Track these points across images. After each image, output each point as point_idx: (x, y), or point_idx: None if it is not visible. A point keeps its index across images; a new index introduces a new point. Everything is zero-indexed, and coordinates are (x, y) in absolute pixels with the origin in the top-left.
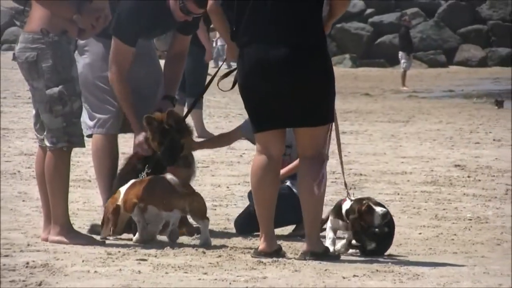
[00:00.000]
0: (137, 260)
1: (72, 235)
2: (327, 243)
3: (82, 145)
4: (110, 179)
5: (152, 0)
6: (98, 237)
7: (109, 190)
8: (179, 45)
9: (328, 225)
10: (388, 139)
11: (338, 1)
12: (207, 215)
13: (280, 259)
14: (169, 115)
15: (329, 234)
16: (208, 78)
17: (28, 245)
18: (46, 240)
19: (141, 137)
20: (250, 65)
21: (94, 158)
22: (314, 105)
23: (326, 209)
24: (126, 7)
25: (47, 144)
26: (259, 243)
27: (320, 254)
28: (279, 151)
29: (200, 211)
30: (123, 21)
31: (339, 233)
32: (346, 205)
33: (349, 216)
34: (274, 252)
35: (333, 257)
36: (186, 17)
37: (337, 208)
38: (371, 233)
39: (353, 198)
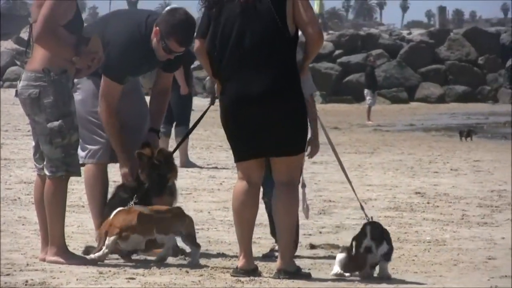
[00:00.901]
0: (126, 278)
1: (68, 256)
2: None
3: (78, 174)
4: (102, 204)
5: (139, 42)
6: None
7: (101, 215)
8: (163, 82)
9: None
10: (355, 168)
11: (311, 43)
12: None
13: (256, 278)
14: (160, 152)
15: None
16: (192, 112)
17: (27, 265)
18: (44, 260)
19: (126, 168)
20: (230, 100)
21: (86, 186)
22: (288, 137)
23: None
24: (115, 49)
25: (47, 173)
26: (238, 261)
27: (292, 273)
28: (259, 178)
29: (193, 236)
30: (112, 62)
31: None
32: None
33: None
34: (252, 271)
35: (305, 276)
36: (168, 56)
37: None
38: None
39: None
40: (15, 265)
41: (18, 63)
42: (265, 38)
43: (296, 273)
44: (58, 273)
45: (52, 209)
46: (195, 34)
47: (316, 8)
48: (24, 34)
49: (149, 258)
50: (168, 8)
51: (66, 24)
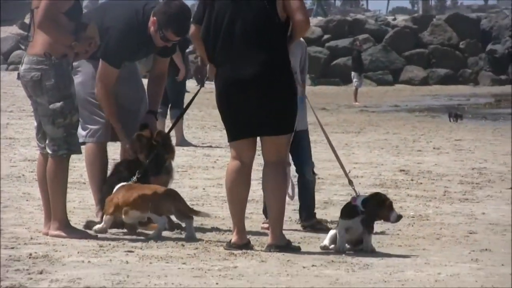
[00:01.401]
0: (125, 251)
1: (69, 230)
2: (340, 242)
3: (79, 152)
4: (101, 181)
5: (136, 29)
6: (92, 232)
7: (100, 191)
8: (159, 66)
9: (340, 226)
10: (342, 147)
11: (297, 29)
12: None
13: (248, 251)
14: (158, 134)
15: (341, 233)
16: (186, 94)
17: (31, 238)
18: (47, 234)
19: (126, 144)
20: (224, 83)
21: (86, 164)
22: (278, 117)
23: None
24: (113, 36)
25: (49, 151)
26: (232, 236)
27: (283, 246)
28: (250, 157)
29: (184, 211)
30: (110, 48)
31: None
32: (360, 200)
33: (366, 205)
34: (244, 245)
35: (295, 249)
36: (165, 43)
37: (349, 208)
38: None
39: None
40: (20, 239)
41: (22, 47)
42: (256, 25)
43: (286, 247)
44: (60, 246)
45: (54, 186)
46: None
47: None
48: (27, 20)
49: (147, 232)
50: None
51: (66, 11)
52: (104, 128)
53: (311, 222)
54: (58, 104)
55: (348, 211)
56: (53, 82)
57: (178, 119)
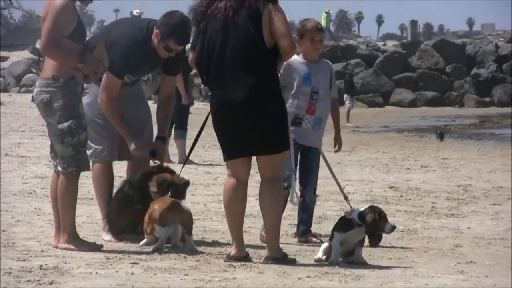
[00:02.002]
0: (130, 263)
1: (78, 243)
2: (334, 255)
3: (88, 169)
4: (107, 198)
5: (140, 42)
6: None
7: (107, 207)
8: (167, 87)
9: (335, 239)
10: (335, 165)
11: (283, 54)
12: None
13: (247, 263)
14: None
15: (336, 246)
16: (190, 115)
17: (42, 251)
18: (57, 247)
19: (133, 145)
20: (217, 106)
21: (93, 181)
22: (270, 138)
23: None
24: (118, 47)
25: (60, 169)
26: (231, 249)
27: (279, 259)
28: (246, 175)
29: (187, 225)
30: (115, 59)
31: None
32: (356, 213)
33: (363, 218)
34: (243, 258)
35: (290, 262)
36: (169, 54)
37: (344, 222)
38: (378, 235)
39: (359, 207)
40: (31, 251)
41: (33, 70)
42: (243, 51)
43: (283, 259)
44: (70, 259)
45: (64, 201)
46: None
47: (323, 22)
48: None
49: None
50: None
51: (70, 35)
52: (110, 148)
53: (306, 237)
54: (66, 124)
55: (344, 224)
56: (61, 103)
57: (194, 145)
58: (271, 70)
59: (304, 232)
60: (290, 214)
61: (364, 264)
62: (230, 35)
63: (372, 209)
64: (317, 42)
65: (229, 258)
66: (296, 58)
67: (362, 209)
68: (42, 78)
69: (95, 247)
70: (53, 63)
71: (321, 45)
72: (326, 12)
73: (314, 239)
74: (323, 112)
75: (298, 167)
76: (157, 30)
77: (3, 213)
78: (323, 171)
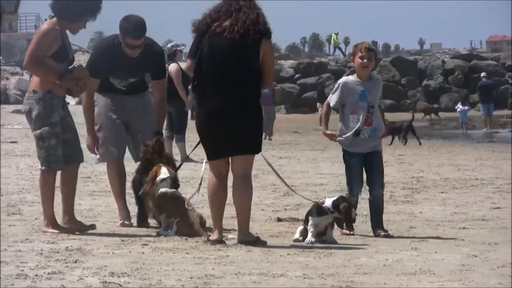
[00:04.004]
0: (141, 244)
1: (57, 227)
2: (310, 236)
3: (59, 168)
4: (121, 191)
5: (111, 46)
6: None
7: (120, 198)
8: (157, 90)
9: (310, 223)
10: (310, 161)
11: (264, 82)
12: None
13: (238, 244)
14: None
15: (311, 229)
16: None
17: (68, 235)
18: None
19: (89, 141)
20: (209, 113)
21: (108, 177)
22: (250, 141)
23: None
24: (92, 55)
25: (39, 167)
26: (212, 234)
27: (252, 241)
28: (226, 171)
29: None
30: (90, 62)
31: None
32: (329, 202)
33: (337, 206)
34: (221, 241)
35: (262, 243)
36: (132, 51)
37: (317, 208)
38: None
39: (331, 197)
40: (59, 236)
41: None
42: (242, 69)
43: (255, 241)
44: (91, 241)
45: (42, 194)
46: (146, 31)
47: (333, 41)
48: None
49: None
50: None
51: (52, 54)
52: (118, 150)
53: (377, 232)
54: (38, 131)
55: (317, 211)
56: (37, 113)
57: (195, 147)
58: (257, 86)
59: (376, 227)
60: (273, 202)
61: (334, 243)
62: (235, 53)
63: (343, 199)
64: (364, 60)
65: (211, 242)
66: (351, 79)
67: (334, 199)
68: (27, 92)
69: (68, 230)
70: (36, 79)
71: (369, 62)
72: (335, 34)
73: (383, 233)
74: (378, 123)
75: (364, 170)
76: (120, 34)
77: (35, 204)
78: (299, 167)
